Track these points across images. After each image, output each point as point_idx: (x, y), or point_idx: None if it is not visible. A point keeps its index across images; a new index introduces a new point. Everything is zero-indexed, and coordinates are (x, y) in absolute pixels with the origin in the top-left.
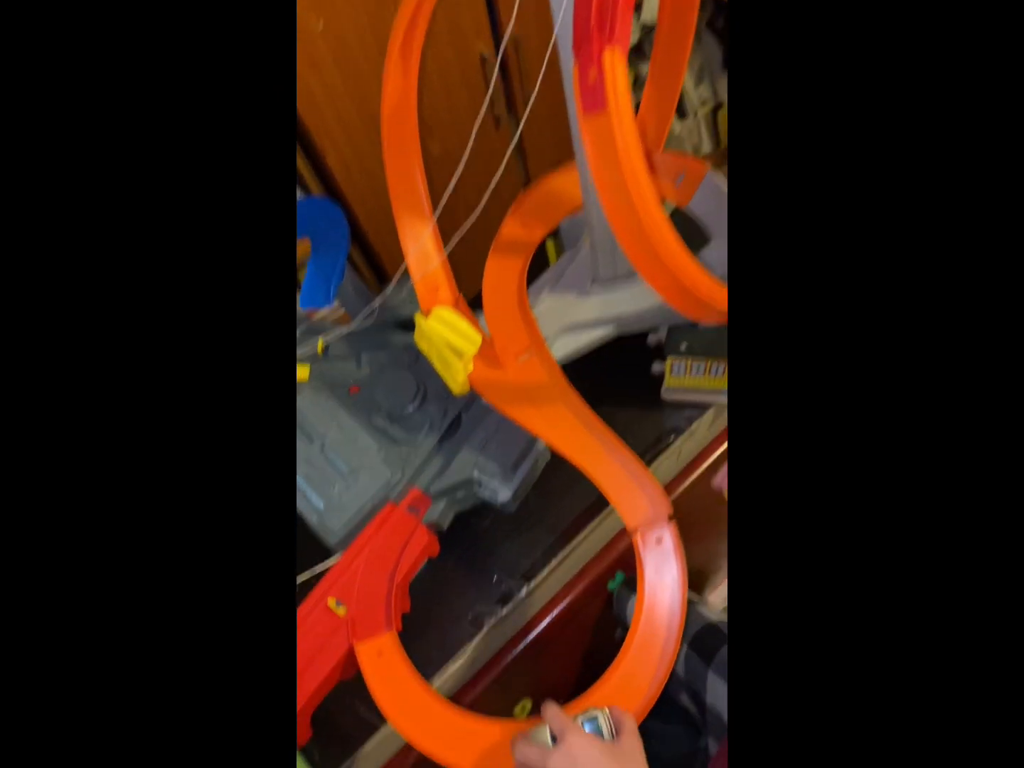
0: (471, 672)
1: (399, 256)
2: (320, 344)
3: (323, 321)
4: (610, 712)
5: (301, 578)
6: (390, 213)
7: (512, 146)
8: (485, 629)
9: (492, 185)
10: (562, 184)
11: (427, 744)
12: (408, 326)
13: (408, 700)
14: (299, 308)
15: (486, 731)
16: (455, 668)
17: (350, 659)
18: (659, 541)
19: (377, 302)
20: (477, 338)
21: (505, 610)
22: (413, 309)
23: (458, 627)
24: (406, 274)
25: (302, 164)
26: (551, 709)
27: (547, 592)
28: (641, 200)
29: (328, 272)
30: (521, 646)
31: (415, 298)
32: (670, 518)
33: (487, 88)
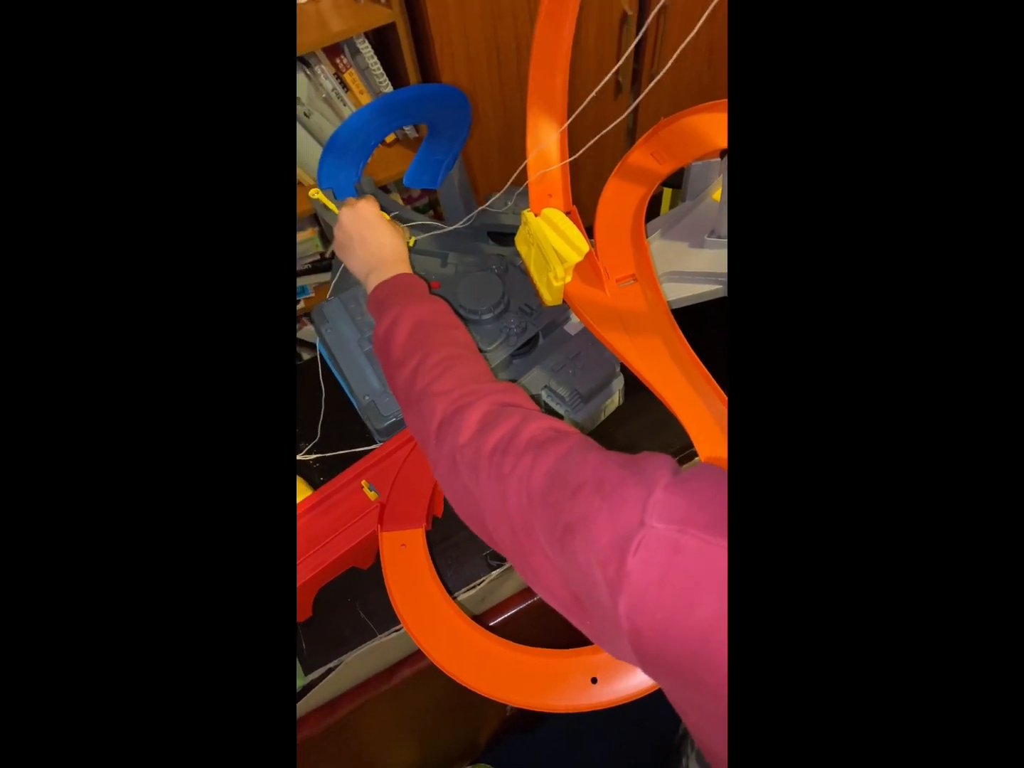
0: (480, 608)
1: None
2: (411, 240)
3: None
4: None
5: (337, 453)
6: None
7: (627, 112)
8: (504, 567)
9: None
10: (706, 124)
11: (429, 645)
12: (502, 238)
13: (421, 596)
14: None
15: (492, 647)
16: (464, 598)
17: (370, 546)
18: None
19: (487, 203)
20: (584, 247)
21: None
22: (512, 221)
23: (478, 558)
24: (512, 186)
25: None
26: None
27: None
28: None
29: (441, 155)
30: (531, 600)
31: (517, 211)
32: None
33: (618, 49)
